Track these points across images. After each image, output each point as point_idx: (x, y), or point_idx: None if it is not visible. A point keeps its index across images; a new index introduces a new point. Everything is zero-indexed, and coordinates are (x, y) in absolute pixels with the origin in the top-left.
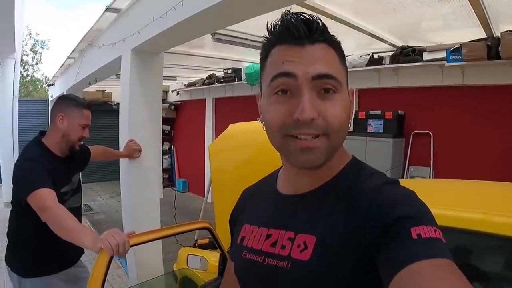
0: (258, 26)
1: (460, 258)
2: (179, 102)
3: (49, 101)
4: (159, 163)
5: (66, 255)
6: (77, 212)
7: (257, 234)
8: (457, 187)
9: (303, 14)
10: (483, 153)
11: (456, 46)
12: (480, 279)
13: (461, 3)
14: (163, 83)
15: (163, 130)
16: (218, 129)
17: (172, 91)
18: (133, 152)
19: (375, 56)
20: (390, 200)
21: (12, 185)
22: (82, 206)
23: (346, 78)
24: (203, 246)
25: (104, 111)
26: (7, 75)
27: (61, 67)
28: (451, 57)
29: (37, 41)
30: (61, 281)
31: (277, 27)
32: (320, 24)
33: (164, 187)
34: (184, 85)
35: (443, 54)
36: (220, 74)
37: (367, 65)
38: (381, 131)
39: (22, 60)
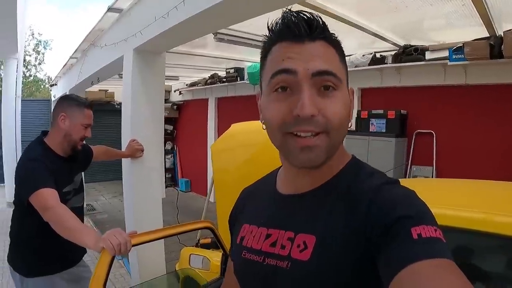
0: (260, 25)
1: (462, 258)
2: (182, 102)
3: (52, 101)
4: (162, 162)
5: (69, 254)
6: (79, 211)
7: (256, 234)
8: (459, 187)
9: (304, 13)
10: (486, 153)
11: (458, 45)
12: (482, 279)
13: (463, 2)
14: (166, 83)
15: (165, 130)
16: (221, 129)
17: (175, 91)
18: (135, 151)
19: (378, 55)
20: (390, 200)
21: (14, 185)
22: (85, 205)
23: (346, 77)
24: (205, 246)
25: (106, 111)
26: (9, 75)
27: (63, 67)
28: (454, 56)
29: (40, 41)
30: (64, 280)
31: (278, 25)
32: (321, 22)
33: (166, 186)
34: (187, 85)
35: (445, 53)
36: (222, 73)
37: (369, 65)
38: (384, 130)
39: (24, 60)
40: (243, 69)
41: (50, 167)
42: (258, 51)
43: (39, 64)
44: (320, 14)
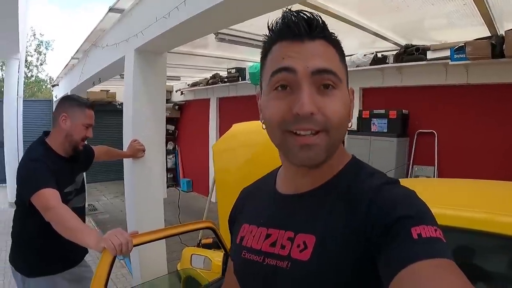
0: (261, 25)
1: (464, 258)
2: (183, 102)
3: (54, 102)
4: (163, 162)
5: (70, 254)
6: (81, 212)
7: (256, 234)
8: (461, 187)
9: (304, 12)
10: (488, 152)
11: (460, 45)
12: (484, 279)
13: (464, 1)
14: (167, 83)
15: (167, 130)
16: (222, 129)
17: (176, 91)
18: (137, 152)
19: (379, 55)
20: (390, 200)
21: (16, 185)
22: (87, 206)
23: (346, 77)
24: (207, 246)
25: (108, 111)
26: (11, 76)
27: (65, 67)
28: (455, 56)
29: (42, 42)
30: (65, 280)
31: (278, 25)
32: (320, 21)
33: (168, 186)
34: (188, 85)
35: (447, 53)
36: (224, 73)
37: (370, 64)
38: (385, 130)
39: (26, 60)
40: (244, 69)
41: (51, 168)
42: (259, 51)
43: (41, 64)
44: (321, 14)
